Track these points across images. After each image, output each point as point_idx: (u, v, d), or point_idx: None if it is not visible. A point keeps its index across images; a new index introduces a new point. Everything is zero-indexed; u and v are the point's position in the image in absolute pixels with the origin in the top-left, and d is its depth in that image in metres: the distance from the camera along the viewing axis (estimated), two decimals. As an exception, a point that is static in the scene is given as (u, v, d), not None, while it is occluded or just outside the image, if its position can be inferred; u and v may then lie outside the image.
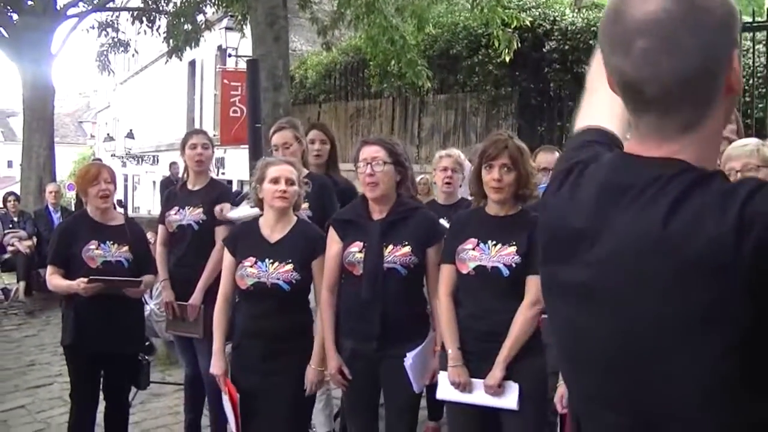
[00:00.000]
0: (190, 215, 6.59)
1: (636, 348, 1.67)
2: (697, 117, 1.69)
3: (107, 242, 6.15)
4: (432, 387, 5.21)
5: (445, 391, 4.81)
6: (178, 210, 6.66)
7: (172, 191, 7.03)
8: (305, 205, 5.94)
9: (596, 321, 1.75)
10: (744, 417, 1.59)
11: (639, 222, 1.65)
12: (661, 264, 1.59)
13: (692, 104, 1.69)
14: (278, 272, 5.09)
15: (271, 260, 5.12)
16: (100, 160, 29.37)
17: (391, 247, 4.96)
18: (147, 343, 8.82)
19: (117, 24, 22.78)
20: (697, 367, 1.58)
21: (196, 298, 6.47)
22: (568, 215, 1.86)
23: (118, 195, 30.84)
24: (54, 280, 6.11)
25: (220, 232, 6.23)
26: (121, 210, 21.22)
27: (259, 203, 5.30)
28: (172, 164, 23.03)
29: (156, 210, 32.09)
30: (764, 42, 12.53)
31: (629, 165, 1.77)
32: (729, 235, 1.48)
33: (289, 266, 5.09)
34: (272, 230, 5.24)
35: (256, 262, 5.13)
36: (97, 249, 6.08)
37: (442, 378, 4.83)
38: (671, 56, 1.64)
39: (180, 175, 7.12)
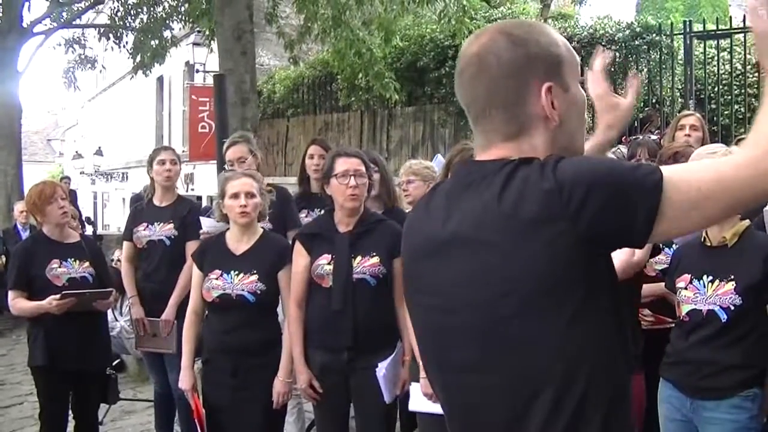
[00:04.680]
0: (161, 231, 6.59)
1: (493, 312, 1.94)
2: (515, 133, 2.04)
3: (69, 259, 6.15)
4: (405, 397, 5.22)
5: (418, 402, 4.81)
6: (147, 226, 6.65)
7: (139, 207, 7.00)
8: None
9: (448, 299, 2.05)
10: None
11: (477, 203, 1.97)
12: (501, 231, 1.90)
13: (506, 122, 2.04)
14: (243, 283, 5.11)
15: (236, 272, 5.14)
16: (68, 178, 29.19)
17: (359, 258, 4.99)
18: (118, 361, 8.79)
19: (84, 41, 22.68)
20: (556, 312, 1.88)
21: (168, 313, 6.47)
22: (423, 223, 2.18)
23: (87, 212, 30.67)
24: (19, 303, 6.07)
25: (192, 248, 6.19)
26: (89, 227, 21.20)
27: (224, 218, 5.32)
28: (147, 187, 22.74)
29: (126, 227, 31.90)
30: (728, 50, 12.63)
31: (470, 168, 2.12)
32: (554, 193, 1.82)
33: (254, 277, 5.11)
34: (238, 243, 5.27)
35: (221, 275, 5.15)
36: (60, 267, 6.07)
37: (414, 389, 4.84)
38: (483, 82, 2.04)
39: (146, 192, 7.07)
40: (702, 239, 4.28)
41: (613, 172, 1.85)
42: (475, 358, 2.01)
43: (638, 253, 4.17)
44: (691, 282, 4.19)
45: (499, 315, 1.93)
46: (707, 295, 4.09)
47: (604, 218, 1.82)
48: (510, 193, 1.89)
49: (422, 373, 4.71)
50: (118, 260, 9.90)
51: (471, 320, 1.99)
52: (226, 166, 6.58)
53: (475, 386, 2.03)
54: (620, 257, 3.80)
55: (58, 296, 5.85)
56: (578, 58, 2.13)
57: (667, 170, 1.85)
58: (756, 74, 12.50)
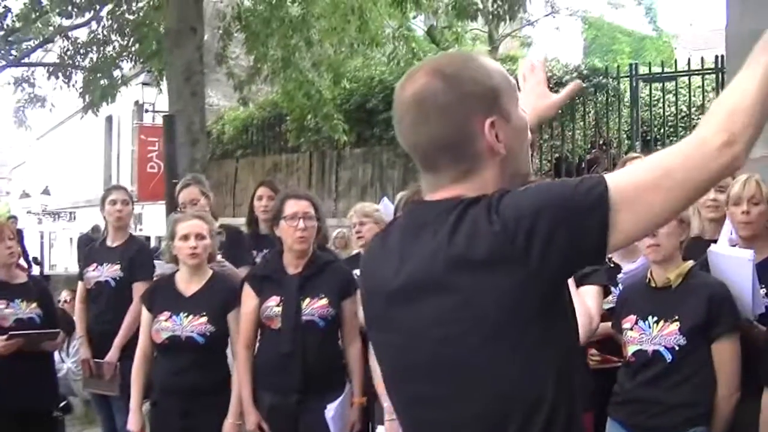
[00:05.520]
0: (108, 272, 6.54)
1: (453, 351, 1.95)
2: (463, 173, 2.02)
3: (16, 300, 6.09)
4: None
5: None
6: (97, 266, 6.62)
7: (92, 247, 7.00)
8: (218, 257, 5.96)
9: (412, 338, 2.04)
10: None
11: (430, 246, 1.96)
12: (454, 273, 1.90)
13: (453, 164, 2.02)
14: (192, 325, 5.09)
15: (186, 313, 5.12)
16: (15, 217, 28.89)
17: (308, 299, 4.99)
18: (64, 402, 8.69)
19: (33, 79, 22.53)
20: (514, 346, 1.90)
21: (112, 355, 6.39)
22: (380, 263, 2.17)
23: (34, 252, 30.32)
24: None
25: (139, 289, 6.18)
26: (36, 267, 20.97)
27: (174, 259, 5.30)
28: (96, 227, 22.57)
29: (73, 268, 31.63)
30: (674, 92, 12.83)
31: (422, 208, 2.10)
32: (499, 233, 1.83)
33: (204, 318, 5.10)
34: (188, 284, 5.25)
35: (171, 316, 5.13)
36: (7, 308, 6.01)
37: (381, 432, 4.85)
38: (423, 128, 2.02)
39: (101, 232, 7.07)
40: (647, 281, 4.34)
41: (554, 198, 1.85)
42: (439, 395, 2.02)
43: (595, 321, 4.23)
44: (636, 323, 4.23)
45: (458, 354, 1.94)
46: (653, 336, 4.13)
47: (555, 246, 1.82)
48: (460, 235, 1.89)
49: (387, 416, 4.72)
50: (65, 301, 9.84)
51: (433, 358, 2.00)
52: (179, 209, 6.56)
53: (441, 422, 2.03)
54: (580, 321, 3.81)
55: (4, 337, 5.80)
56: (513, 81, 2.12)
57: (612, 176, 1.85)
58: (700, 116, 12.70)
